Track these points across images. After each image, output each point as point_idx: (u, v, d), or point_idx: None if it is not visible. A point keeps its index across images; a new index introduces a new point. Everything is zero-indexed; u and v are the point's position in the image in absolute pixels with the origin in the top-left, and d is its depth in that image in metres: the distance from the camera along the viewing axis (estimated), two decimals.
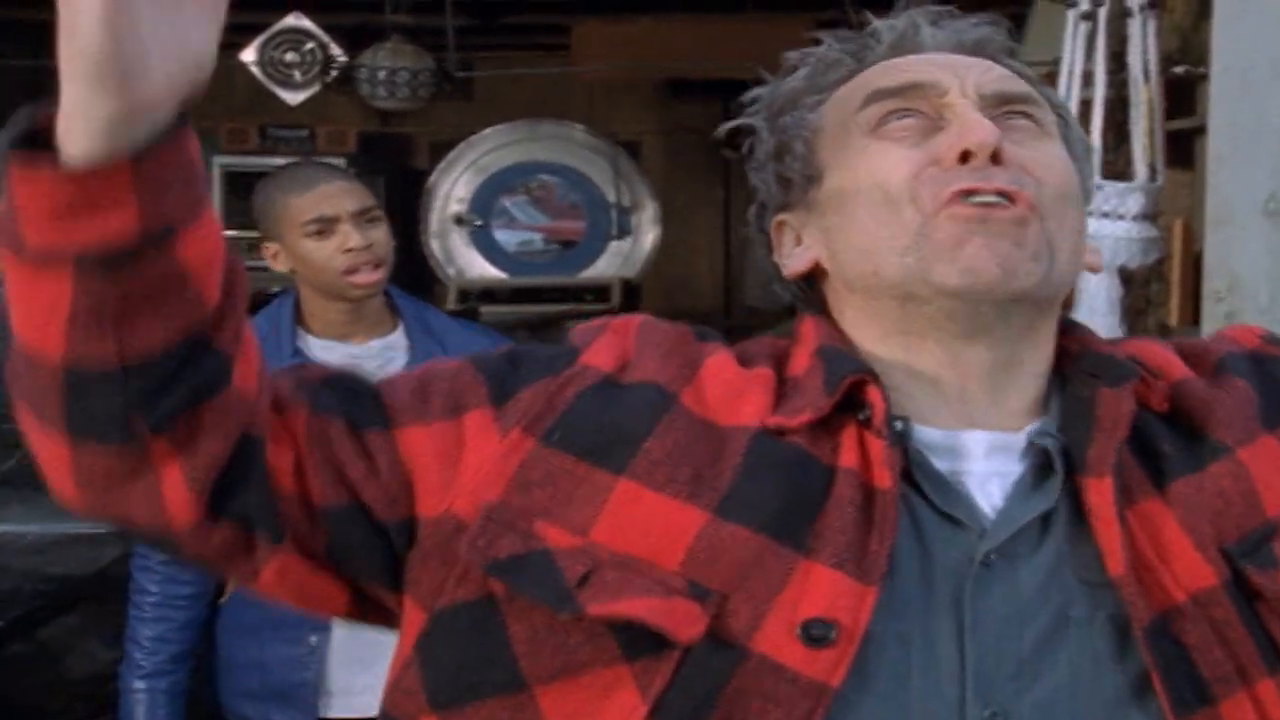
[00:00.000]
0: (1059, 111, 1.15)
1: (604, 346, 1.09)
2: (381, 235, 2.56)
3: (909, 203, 1.03)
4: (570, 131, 7.83)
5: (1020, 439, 1.06)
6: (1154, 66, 3.12)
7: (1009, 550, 1.00)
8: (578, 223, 7.88)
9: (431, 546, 1.03)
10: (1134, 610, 0.97)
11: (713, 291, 8.69)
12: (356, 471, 1.03)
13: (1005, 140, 1.05)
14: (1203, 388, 1.08)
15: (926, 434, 1.04)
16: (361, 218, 2.52)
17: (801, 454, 1.02)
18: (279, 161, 7.93)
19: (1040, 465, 1.04)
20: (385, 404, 1.08)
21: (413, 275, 8.55)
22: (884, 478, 0.99)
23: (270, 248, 2.59)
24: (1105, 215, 3.09)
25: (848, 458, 1.01)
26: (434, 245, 7.14)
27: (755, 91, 1.20)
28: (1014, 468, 1.05)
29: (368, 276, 2.52)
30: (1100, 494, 1.00)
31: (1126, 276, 3.18)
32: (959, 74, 1.08)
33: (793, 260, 1.13)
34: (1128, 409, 1.03)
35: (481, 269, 7.56)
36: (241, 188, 8.03)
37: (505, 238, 7.83)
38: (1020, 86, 1.10)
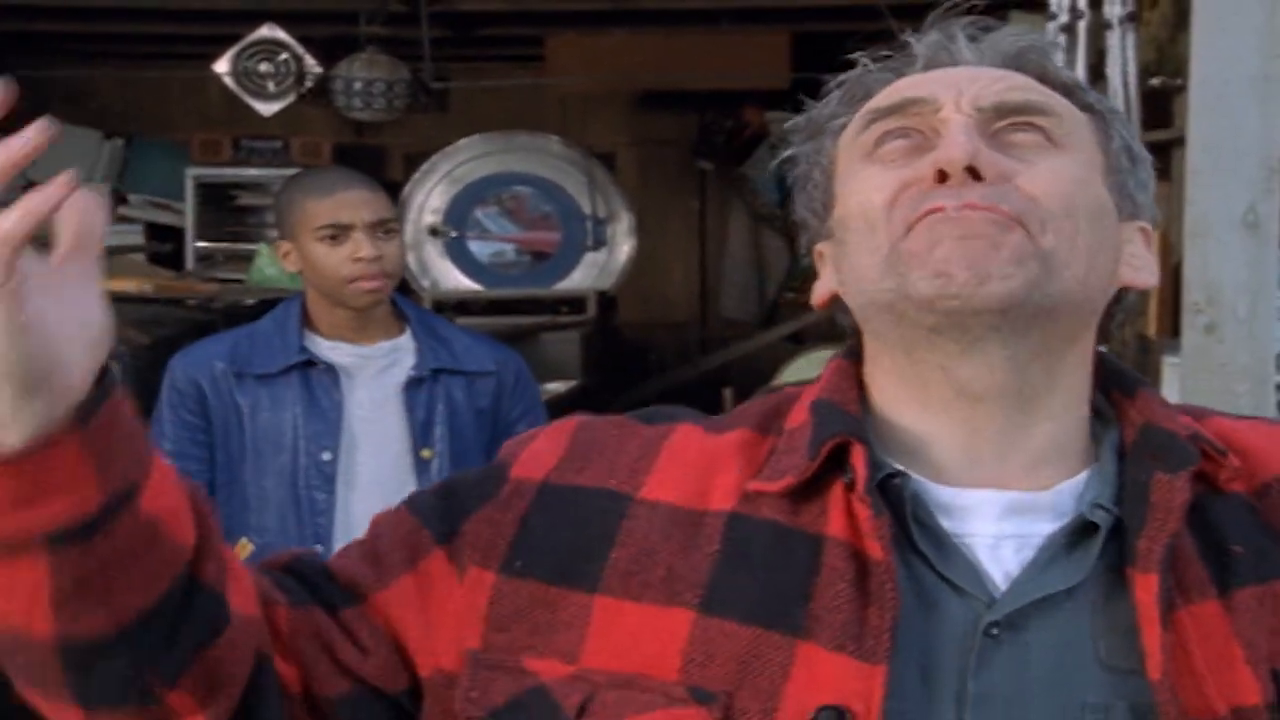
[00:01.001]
0: (1105, 116, 1.07)
1: (534, 454, 1.05)
2: (394, 249, 2.57)
3: (883, 227, 0.98)
4: (545, 143, 7.82)
5: (1044, 498, 0.98)
6: (1133, 78, 3.13)
7: (1019, 622, 0.93)
8: (552, 234, 7.88)
9: (432, 705, 1.02)
10: (1165, 711, 0.90)
11: (688, 303, 8.69)
12: (349, 655, 1.02)
13: (999, 154, 0.98)
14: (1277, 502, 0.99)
15: (934, 491, 0.98)
16: (377, 229, 2.54)
17: (782, 530, 0.96)
18: (252, 173, 7.96)
19: (1075, 532, 0.97)
20: (346, 579, 1.06)
21: None
22: (875, 548, 0.93)
23: (283, 246, 2.60)
24: None
25: (836, 525, 0.96)
26: (409, 257, 7.12)
27: (795, 120, 1.15)
28: (1035, 530, 0.97)
29: (373, 284, 2.53)
30: (1146, 591, 0.92)
31: None
32: (960, 87, 1.02)
33: (817, 291, 1.09)
34: (1181, 500, 0.95)
35: (456, 281, 7.55)
36: (215, 199, 8.02)
37: (478, 249, 7.82)
38: (1028, 96, 1.03)
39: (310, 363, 2.55)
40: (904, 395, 1.01)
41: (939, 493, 0.98)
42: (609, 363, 7.10)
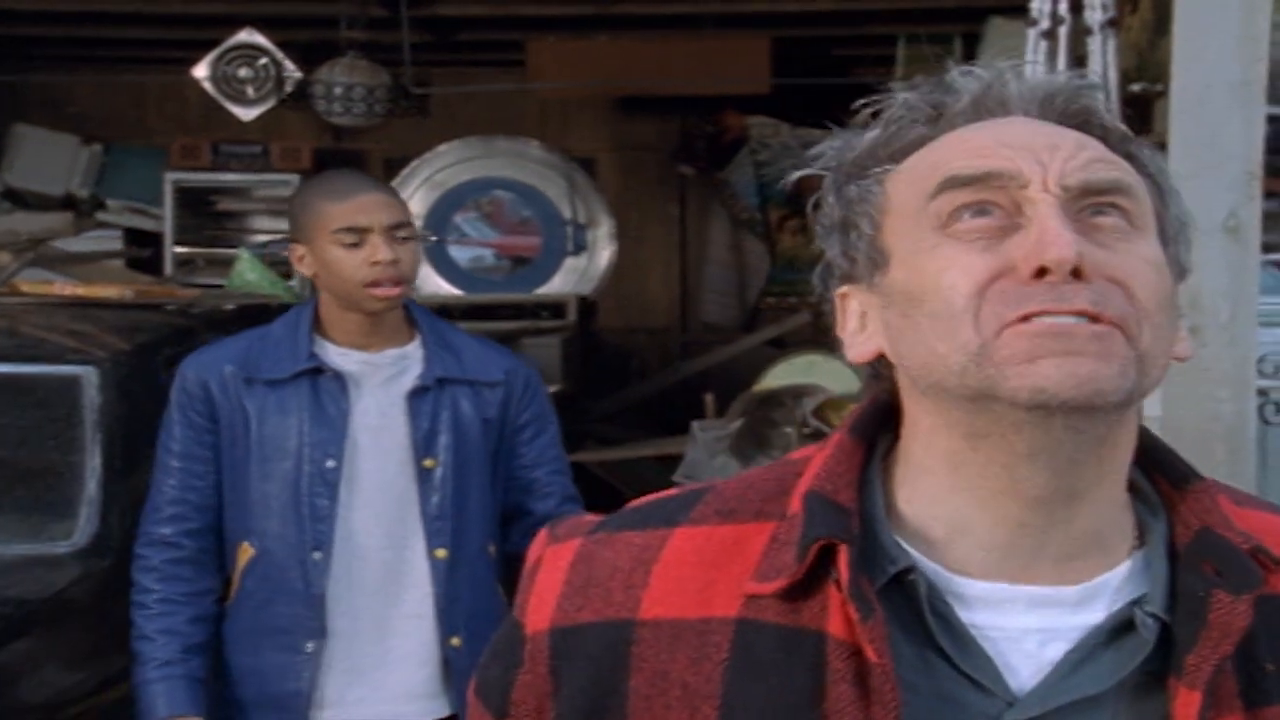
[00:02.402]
0: (1157, 180, 1.00)
1: (539, 599, 1.04)
2: (410, 253, 2.56)
3: (970, 322, 0.92)
4: (526, 148, 7.82)
5: (1073, 593, 0.94)
6: (1113, 84, 3.14)
7: None
8: (532, 239, 7.87)
9: None
10: None
11: (669, 308, 8.69)
12: None
13: (1091, 243, 0.92)
14: None
15: (954, 583, 0.95)
16: (394, 232, 2.52)
17: (786, 633, 0.95)
18: (231, 178, 7.93)
19: (1113, 629, 0.94)
20: None
21: None
22: (869, 651, 0.91)
23: (297, 250, 2.59)
24: None
25: (835, 623, 0.94)
26: None
27: (821, 145, 1.06)
28: (1061, 624, 0.94)
29: (387, 290, 2.52)
30: (1188, 707, 0.90)
31: None
32: (1042, 160, 0.95)
33: (857, 346, 1.02)
34: (1241, 624, 0.91)
35: (436, 286, 7.54)
36: (194, 204, 7.99)
37: (458, 254, 7.81)
38: (1111, 174, 0.96)
39: (319, 370, 2.54)
40: (952, 483, 0.96)
41: (959, 584, 0.95)
42: (590, 368, 7.09)
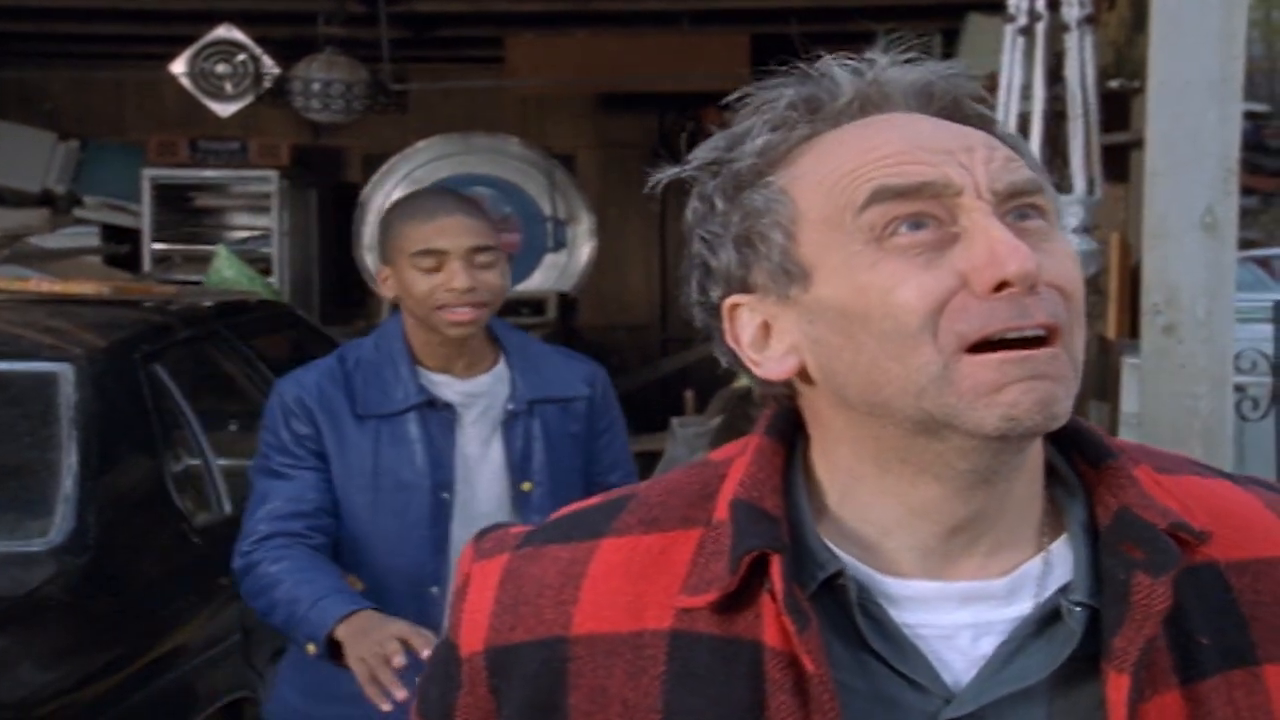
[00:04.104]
0: (1016, 148, 0.98)
1: (471, 621, 1.02)
2: (492, 278, 2.49)
3: (929, 341, 0.90)
4: (505, 144, 7.80)
5: (999, 585, 0.94)
6: (1091, 80, 3.14)
7: (983, 716, 0.92)
8: (512, 236, 7.86)
9: None
10: None
11: (648, 305, 8.69)
12: None
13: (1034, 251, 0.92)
14: (1264, 584, 0.96)
15: (884, 584, 0.94)
16: (474, 255, 2.46)
17: (720, 643, 0.94)
18: (210, 174, 7.91)
19: (1042, 619, 0.94)
20: None
21: (345, 289, 8.48)
22: (806, 661, 0.91)
23: (383, 272, 2.54)
24: None
25: (771, 633, 0.93)
26: (367, 259, 7.08)
27: (701, 149, 1.02)
28: (992, 617, 0.94)
29: (463, 315, 2.46)
30: (1118, 690, 0.90)
31: None
32: (964, 163, 0.93)
33: (769, 362, 0.98)
34: (1161, 606, 0.91)
35: None
36: (172, 201, 7.97)
37: None
38: (1026, 173, 0.94)
39: (430, 402, 2.51)
40: (882, 488, 0.96)
41: (890, 585, 0.94)
42: None
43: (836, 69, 0.99)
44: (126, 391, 3.76)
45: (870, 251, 0.93)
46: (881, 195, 0.93)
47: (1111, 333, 3.61)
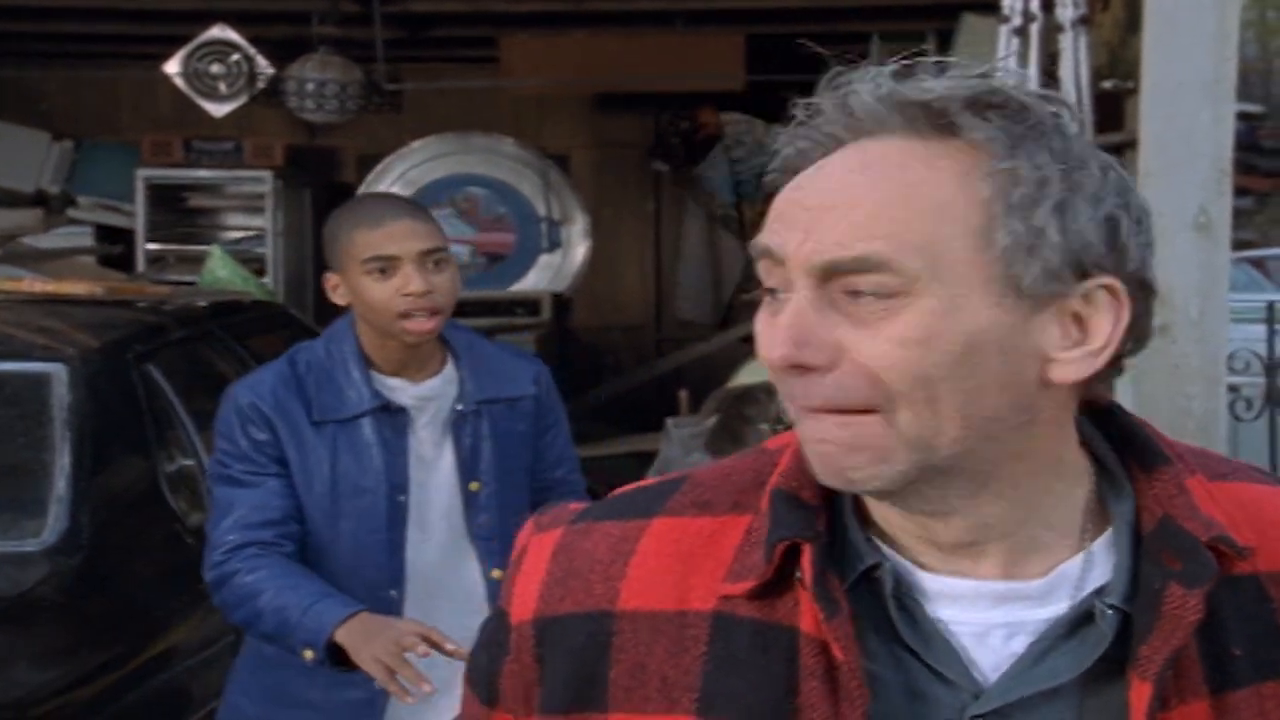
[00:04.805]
0: (1020, 139, 0.91)
1: (523, 591, 1.04)
2: (445, 280, 2.47)
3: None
4: (500, 144, 7.80)
5: (1033, 587, 0.94)
6: (1085, 81, 3.15)
7: (1006, 713, 0.93)
8: (507, 236, 7.86)
9: None
10: None
11: (644, 304, 8.69)
12: None
13: (830, 330, 0.90)
14: None
15: (920, 578, 0.95)
16: (426, 259, 2.44)
17: (760, 628, 0.96)
18: (204, 174, 7.90)
19: (1075, 620, 0.94)
20: None
21: None
22: (836, 649, 0.92)
23: (331, 279, 2.52)
24: None
25: (807, 619, 0.94)
26: None
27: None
28: (1025, 617, 0.94)
29: (421, 324, 2.44)
30: (1140, 698, 0.90)
31: None
32: (805, 229, 0.91)
33: None
34: (1193, 619, 0.91)
35: None
36: (166, 201, 7.95)
37: None
38: (852, 252, 0.89)
39: (384, 406, 2.50)
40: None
41: (926, 580, 0.95)
42: (565, 365, 7.08)
43: (828, 86, 0.96)
44: (120, 392, 3.75)
45: (763, 304, 0.95)
46: (757, 251, 0.95)
47: None
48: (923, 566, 0.96)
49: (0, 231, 7.24)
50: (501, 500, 2.53)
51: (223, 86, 6.58)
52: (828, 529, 0.96)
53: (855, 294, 0.90)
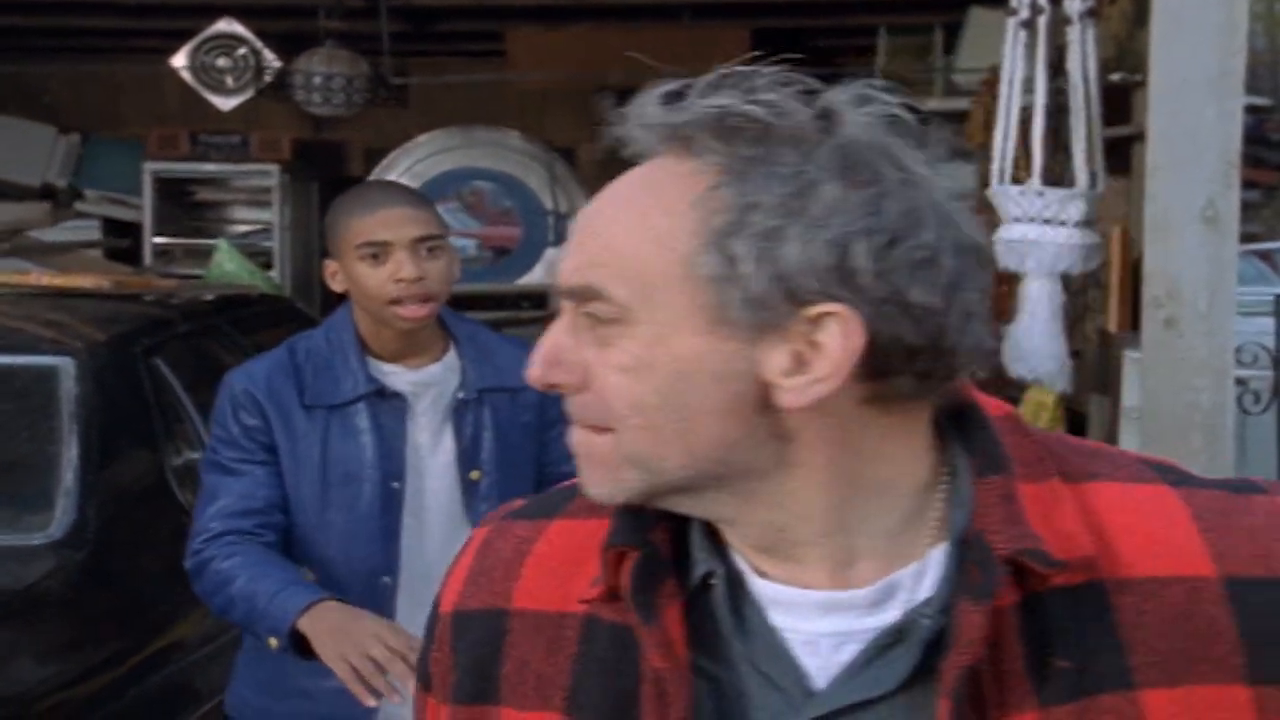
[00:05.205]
0: (741, 169, 0.91)
1: (452, 583, 1.08)
2: (439, 268, 2.47)
3: None
4: (506, 138, 7.80)
5: (861, 596, 0.94)
6: (1093, 74, 3.14)
7: None
8: (513, 230, 7.85)
9: None
10: None
11: None
12: None
13: (578, 352, 0.94)
14: (1151, 605, 0.92)
15: (756, 585, 0.96)
16: (420, 246, 2.45)
17: (619, 632, 0.98)
18: (210, 168, 7.90)
19: (902, 631, 0.93)
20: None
21: None
22: (654, 657, 0.94)
23: (330, 265, 2.53)
24: (1046, 222, 3.10)
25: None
26: None
27: None
28: (854, 626, 0.94)
29: (414, 310, 2.44)
30: (942, 713, 0.89)
31: (1065, 283, 3.20)
32: (568, 254, 0.97)
33: None
34: (978, 635, 0.89)
35: None
36: (173, 195, 7.96)
37: None
38: (574, 281, 0.94)
39: (379, 391, 2.50)
40: None
41: (761, 587, 0.96)
42: None
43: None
44: (127, 385, 3.76)
45: None
46: None
47: (1113, 326, 3.61)
48: (762, 574, 0.96)
49: (7, 225, 7.25)
50: (503, 490, 2.53)
51: (230, 80, 6.58)
52: (672, 537, 0.98)
53: (591, 319, 0.93)
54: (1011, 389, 3.26)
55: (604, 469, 0.94)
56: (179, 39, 6.57)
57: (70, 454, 3.47)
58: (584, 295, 0.93)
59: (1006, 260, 3.15)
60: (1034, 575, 0.91)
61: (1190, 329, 2.80)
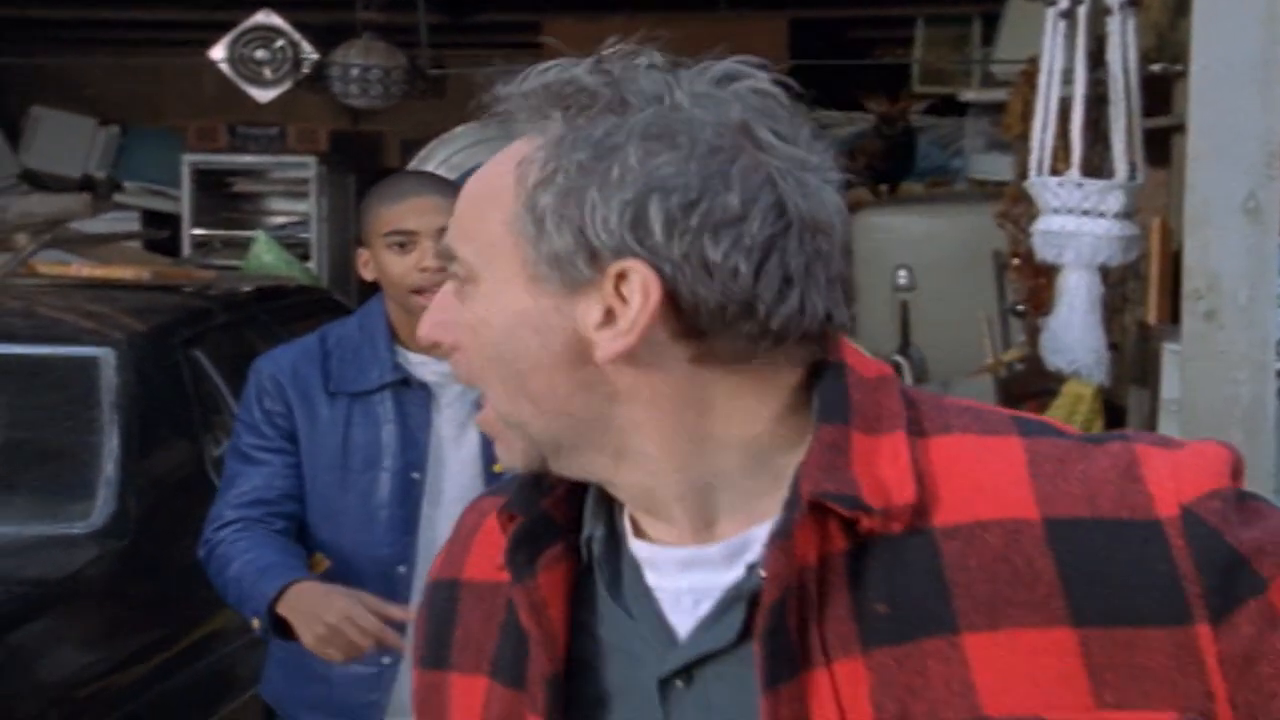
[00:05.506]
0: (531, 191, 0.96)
1: (441, 551, 1.14)
2: None
3: None
4: None
5: (713, 552, 0.97)
6: (1133, 64, 3.12)
7: (697, 676, 0.96)
8: None
9: None
10: None
11: None
12: None
13: (454, 315, 1.00)
14: (973, 550, 0.92)
15: (634, 546, 1.00)
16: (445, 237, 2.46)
17: (528, 599, 1.02)
18: (248, 160, 7.94)
19: (739, 584, 0.96)
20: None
21: None
22: (522, 614, 0.99)
23: (362, 254, 2.55)
24: (1085, 213, 3.08)
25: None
26: None
27: None
28: (713, 582, 0.96)
29: (431, 299, 2.45)
30: (757, 659, 0.92)
31: (1104, 275, 3.18)
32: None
33: None
34: (778, 571, 0.91)
35: None
36: (211, 186, 8.01)
37: None
38: (445, 240, 1.02)
39: (404, 381, 2.51)
40: None
41: (636, 547, 1.00)
42: None
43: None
44: (166, 375, 3.79)
45: None
46: None
47: (1152, 318, 3.59)
48: (642, 535, 1.00)
49: (49, 217, 7.30)
50: None
51: (268, 72, 6.61)
52: (572, 505, 1.02)
53: (455, 279, 1.00)
54: (1050, 381, 3.25)
55: (496, 436, 1.00)
56: (218, 31, 6.61)
57: (111, 444, 3.49)
58: (447, 255, 1.01)
59: (1044, 252, 3.13)
60: (859, 524, 0.92)
61: (1230, 321, 2.78)
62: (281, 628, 2.28)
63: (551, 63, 0.99)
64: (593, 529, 1.01)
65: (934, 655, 0.91)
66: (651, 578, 0.99)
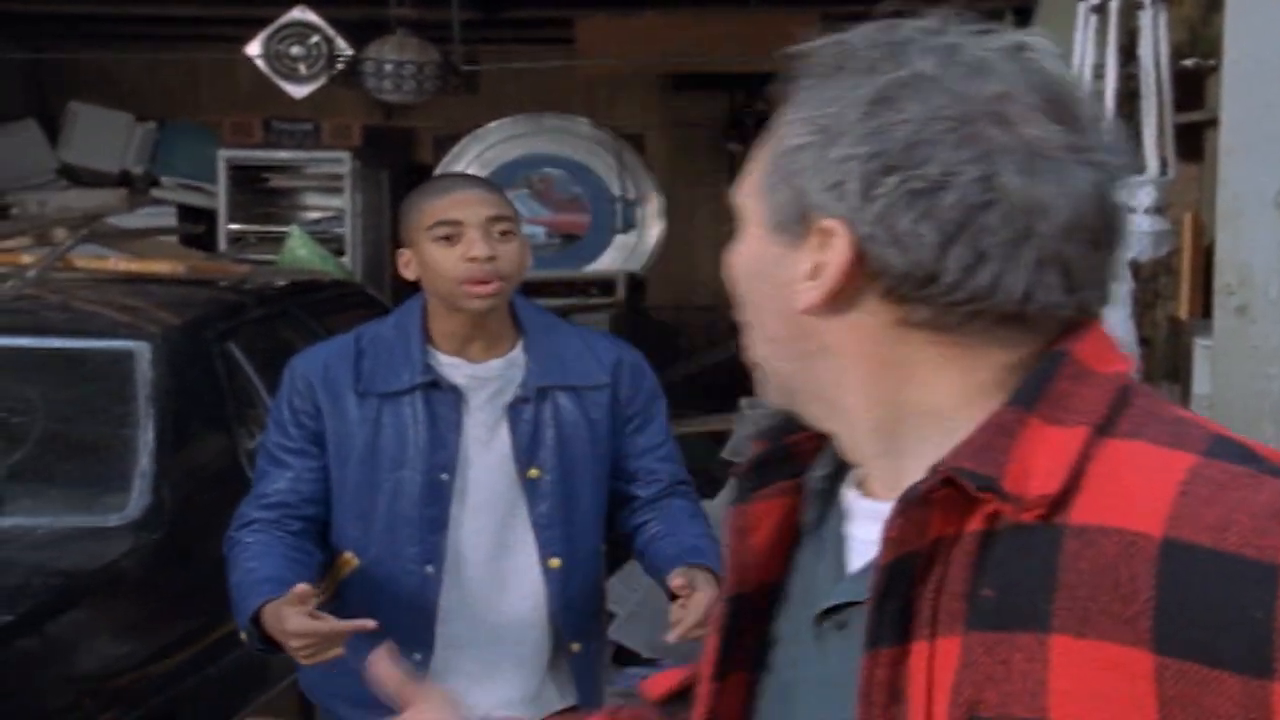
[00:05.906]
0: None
1: None
2: (511, 250, 2.46)
3: None
4: (574, 125, 7.82)
5: (886, 508, 0.97)
6: (1164, 59, 3.11)
7: (844, 621, 1.00)
8: (582, 216, 7.88)
9: None
10: None
11: (717, 285, 8.61)
12: None
13: None
14: (1088, 553, 0.90)
15: (846, 496, 1.06)
16: (492, 226, 2.45)
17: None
18: (283, 155, 7.98)
19: None
20: None
21: None
22: (728, 533, 1.08)
23: (404, 255, 2.54)
24: None
25: None
26: None
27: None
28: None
29: (484, 288, 2.46)
30: (868, 612, 0.95)
31: (1135, 270, 3.17)
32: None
33: None
34: (894, 534, 0.93)
35: None
36: (246, 182, 8.05)
37: None
38: (738, 188, 1.08)
39: (434, 383, 2.52)
40: None
41: (842, 494, 1.06)
42: (639, 345, 7.10)
43: None
44: (201, 369, 3.81)
45: None
46: None
47: (1184, 313, 3.58)
48: (861, 485, 1.04)
49: (86, 212, 7.35)
50: (565, 490, 2.52)
51: (303, 68, 6.63)
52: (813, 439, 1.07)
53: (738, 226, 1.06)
54: None
55: (755, 372, 1.06)
56: (253, 27, 6.64)
57: (146, 436, 3.52)
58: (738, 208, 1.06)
59: None
60: (1000, 508, 0.92)
61: (1262, 316, 2.77)
62: (267, 641, 2.32)
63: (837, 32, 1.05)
64: (820, 469, 1.06)
65: (1021, 649, 0.90)
66: (849, 525, 1.04)
